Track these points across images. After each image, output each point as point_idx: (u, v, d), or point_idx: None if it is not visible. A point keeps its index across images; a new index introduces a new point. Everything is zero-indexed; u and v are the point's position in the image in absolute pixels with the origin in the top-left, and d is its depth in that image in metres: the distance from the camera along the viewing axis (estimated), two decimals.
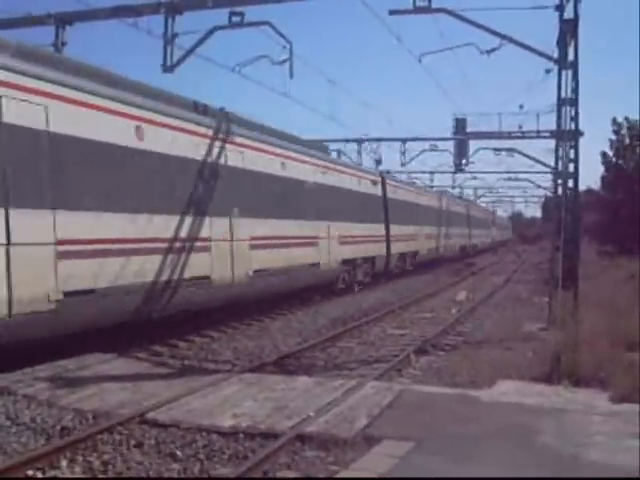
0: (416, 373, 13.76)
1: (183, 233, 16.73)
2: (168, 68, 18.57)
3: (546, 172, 53.86)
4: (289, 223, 22.93)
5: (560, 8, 18.22)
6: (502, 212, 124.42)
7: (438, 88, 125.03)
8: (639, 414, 9.32)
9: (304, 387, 11.60)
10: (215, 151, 18.69)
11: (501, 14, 25.81)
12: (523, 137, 39.65)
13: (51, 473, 7.74)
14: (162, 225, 15.94)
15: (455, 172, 60.28)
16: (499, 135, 40.39)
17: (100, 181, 13.96)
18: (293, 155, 23.99)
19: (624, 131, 51.66)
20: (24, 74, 12.39)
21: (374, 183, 34.65)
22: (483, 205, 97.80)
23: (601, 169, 53.19)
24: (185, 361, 14.62)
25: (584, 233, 41.31)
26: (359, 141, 48.80)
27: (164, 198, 16.11)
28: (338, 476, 7.49)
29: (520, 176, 65.89)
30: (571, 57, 18.34)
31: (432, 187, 66.61)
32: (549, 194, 69.29)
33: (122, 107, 14.99)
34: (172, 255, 16.24)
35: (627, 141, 51.47)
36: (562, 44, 18.33)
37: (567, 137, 19.01)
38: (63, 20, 18.53)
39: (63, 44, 18.60)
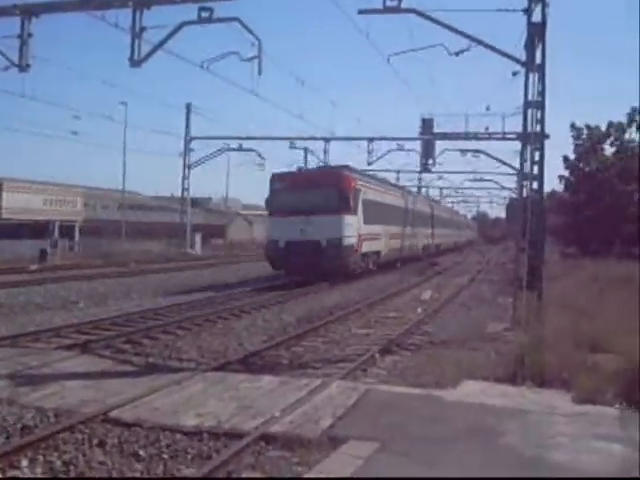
0: (381, 373, 13.75)
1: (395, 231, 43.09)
2: (135, 62, 18.43)
3: (511, 174, 54.47)
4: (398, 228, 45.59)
5: (528, 11, 18.39)
6: (467, 212, 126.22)
7: (406, 88, 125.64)
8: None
9: (269, 386, 11.55)
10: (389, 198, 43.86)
11: (471, 16, 26.01)
12: (489, 138, 40.10)
13: (11, 473, 7.60)
14: (393, 230, 42.28)
15: (421, 172, 60.87)
16: (465, 136, 40.79)
17: (379, 213, 36.94)
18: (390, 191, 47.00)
19: (584, 136, 52.50)
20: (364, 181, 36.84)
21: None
22: (449, 205, 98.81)
23: (566, 172, 53.88)
24: (149, 359, 14.45)
25: (548, 234, 41.73)
26: (326, 139, 48.91)
27: (388, 220, 40.36)
28: (304, 476, 7.45)
29: (485, 177, 66.65)
30: (538, 60, 18.49)
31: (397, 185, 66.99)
32: (513, 195, 69.93)
33: (382, 188, 41.05)
34: (392, 240, 41.91)
35: (588, 145, 52.25)
36: (530, 47, 18.47)
37: (533, 139, 19.17)
38: (29, 11, 18.28)
39: (29, 35, 18.33)
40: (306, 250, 30.66)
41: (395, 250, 44.41)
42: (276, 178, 34.09)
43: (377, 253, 38.84)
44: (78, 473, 7.66)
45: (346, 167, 36.91)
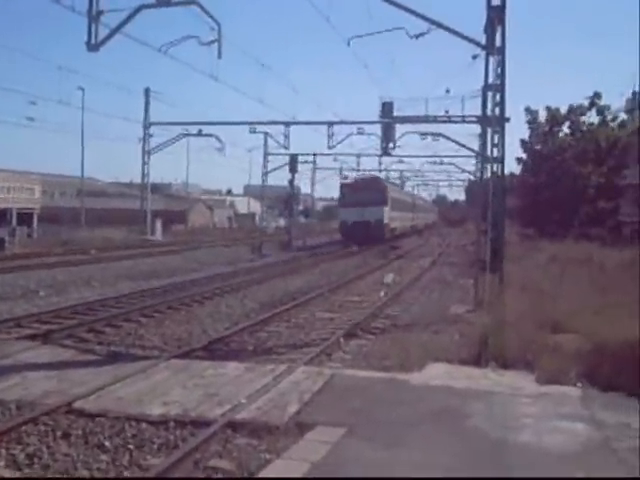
0: (346, 357, 13.79)
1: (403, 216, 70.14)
2: (93, 46, 18.08)
3: (470, 156, 54.73)
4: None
5: None
6: (427, 195, 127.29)
7: (367, 72, 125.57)
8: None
9: (234, 373, 11.51)
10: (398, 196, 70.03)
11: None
12: (449, 122, 40.07)
13: None
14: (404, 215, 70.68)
15: (382, 155, 60.89)
16: (425, 119, 40.76)
17: (396, 205, 62.91)
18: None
19: (541, 119, 53.11)
20: (389, 185, 66.85)
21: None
22: (408, 189, 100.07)
23: (524, 155, 54.62)
24: (112, 348, 14.25)
25: (506, 216, 42.11)
26: (287, 124, 48.67)
27: (399, 209, 66.36)
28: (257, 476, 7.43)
29: (445, 160, 66.93)
30: (498, 43, 18.54)
31: (358, 170, 67.76)
32: (473, 178, 70.48)
33: (397, 189, 74.72)
34: (402, 222, 68.84)
35: (547, 128, 52.83)
36: (489, 30, 18.51)
37: (493, 122, 19.27)
38: None
39: None
40: (362, 226, 53.94)
41: (403, 227, 70.92)
42: (344, 185, 62.22)
43: (394, 229, 63.12)
44: (42, 465, 7.55)
45: (379, 177, 67.71)
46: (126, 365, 12.01)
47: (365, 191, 56.38)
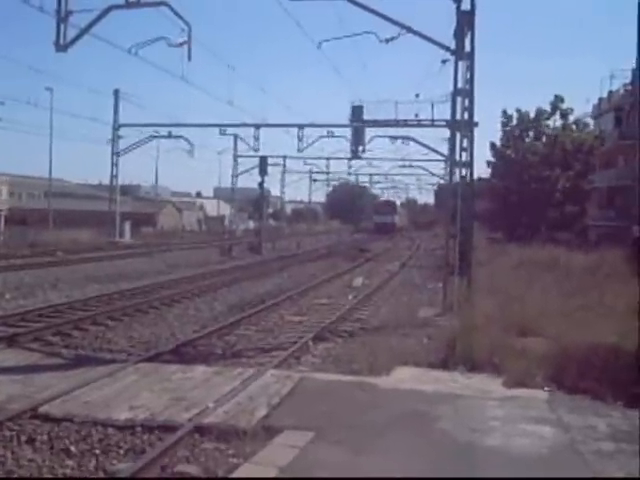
0: (315, 361, 13.79)
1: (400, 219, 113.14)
2: (61, 47, 17.93)
3: (439, 160, 55.14)
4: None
5: (457, 0, 18.52)
6: (396, 199, 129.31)
7: (337, 75, 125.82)
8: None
9: (202, 376, 11.46)
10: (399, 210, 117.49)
11: (401, 4, 26.10)
12: (419, 125, 40.37)
13: None
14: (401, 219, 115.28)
15: (351, 159, 61.27)
16: (395, 123, 41.03)
17: (400, 213, 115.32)
18: None
19: (513, 123, 53.51)
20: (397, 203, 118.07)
21: None
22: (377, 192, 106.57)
23: (490, 159, 55.01)
24: (79, 351, 14.12)
25: (475, 220, 42.41)
26: (257, 126, 48.65)
27: (400, 214, 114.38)
28: (235, 476, 7.40)
29: (414, 164, 67.38)
30: (468, 48, 18.68)
31: (328, 173, 67.62)
32: (442, 182, 70.91)
33: (398, 204, 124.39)
34: (401, 223, 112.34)
35: (517, 132, 53.25)
36: (459, 35, 18.64)
37: (462, 127, 19.40)
38: None
39: None
40: (385, 225, 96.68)
41: (401, 225, 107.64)
42: (376, 203, 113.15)
43: (401, 227, 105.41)
44: (6, 472, 7.45)
45: (393, 201, 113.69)
46: (93, 369, 11.91)
47: (386, 207, 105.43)
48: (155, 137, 52.57)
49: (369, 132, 44.52)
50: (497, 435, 8.44)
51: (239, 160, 54.93)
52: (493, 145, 54.75)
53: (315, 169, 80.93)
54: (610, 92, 56.20)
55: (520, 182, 50.46)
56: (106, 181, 60.67)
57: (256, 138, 48.68)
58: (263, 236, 55.15)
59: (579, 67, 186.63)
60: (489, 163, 55.41)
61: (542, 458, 7.75)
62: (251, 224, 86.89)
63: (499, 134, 54.54)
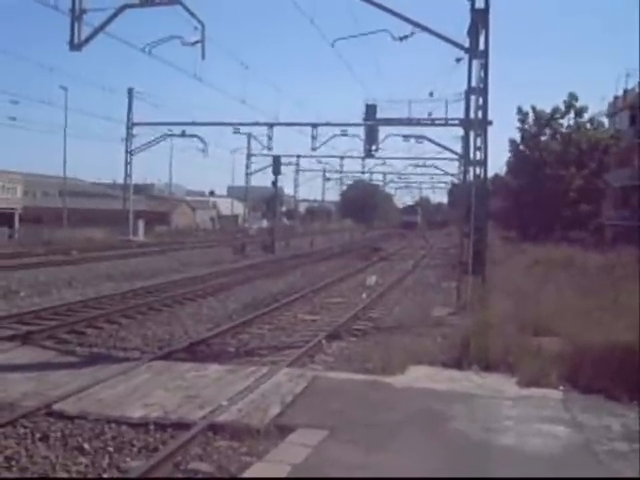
0: (328, 359, 13.76)
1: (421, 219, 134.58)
2: (75, 46, 17.96)
3: (453, 159, 54.92)
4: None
5: None
6: (410, 198, 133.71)
7: (350, 74, 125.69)
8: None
9: (216, 375, 11.46)
10: (420, 211, 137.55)
11: (416, 2, 26.03)
12: (432, 124, 40.16)
13: None
14: (421, 218, 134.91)
15: (365, 157, 61.21)
16: (409, 122, 40.84)
17: (421, 214, 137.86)
18: None
19: (530, 120, 53.18)
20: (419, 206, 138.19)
21: None
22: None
23: (508, 156, 54.75)
24: (93, 349, 14.17)
25: (489, 218, 42.30)
26: (270, 125, 48.65)
27: (421, 216, 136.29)
28: (248, 474, 7.39)
29: (428, 162, 67.13)
30: (482, 47, 18.59)
31: (341, 172, 67.66)
32: (456, 181, 70.65)
33: (419, 206, 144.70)
34: (422, 222, 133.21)
35: (534, 130, 52.95)
36: (473, 33, 18.56)
37: (476, 126, 19.32)
38: None
39: None
40: (410, 223, 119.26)
41: (423, 224, 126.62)
42: (405, 207, 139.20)
43: (420, 225, 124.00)
44: (20, 469, 7.47)
45: (417, 205, 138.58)
46: (107, 367, 11.94)
47: (411, 209, 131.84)
48: (169, 136, 52.64)
49: (383, 131, 44.42)
50: (511, 435, 8.40)
51: (252, 159, 54.86)
52: (513, 141, 54.45)
53: (329, 168, 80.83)
54: (625, 90, 55.87)
55: (535, 180, 50.24)
56: (120, 180, 60.97)
57: (269, 137, 48.68)
58: (276, 235, 55.15)
59: (594, 68, 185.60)
60: (508, 163, 55.20)
61: (556, 458, 7.70)
62: (264, 223, 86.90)
63: (515, 133, 54.33)
